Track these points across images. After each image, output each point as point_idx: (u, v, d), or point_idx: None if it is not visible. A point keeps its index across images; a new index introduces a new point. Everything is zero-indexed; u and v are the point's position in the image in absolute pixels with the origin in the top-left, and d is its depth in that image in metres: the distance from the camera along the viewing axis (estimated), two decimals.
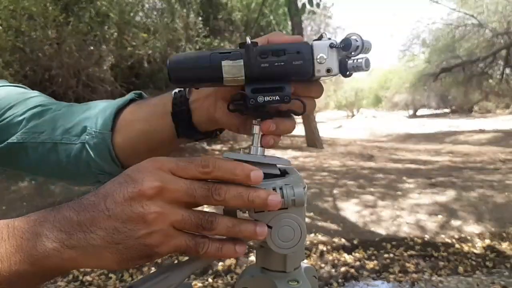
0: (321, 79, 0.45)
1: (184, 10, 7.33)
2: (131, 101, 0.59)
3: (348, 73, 0.42)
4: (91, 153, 0.56)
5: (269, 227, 0.41)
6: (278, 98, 0.41)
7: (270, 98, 0.41)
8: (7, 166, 0.63)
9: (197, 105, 0.51)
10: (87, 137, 0.56)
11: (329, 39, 0.41)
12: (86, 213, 0.35)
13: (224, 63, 0.41)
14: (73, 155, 0.57)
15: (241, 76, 0.41)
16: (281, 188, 0.40)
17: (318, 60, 0.41)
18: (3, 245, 0.35)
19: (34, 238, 0.35)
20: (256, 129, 0.44)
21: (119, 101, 0.58)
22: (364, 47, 0.41)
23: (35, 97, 0.63)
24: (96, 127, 0.56)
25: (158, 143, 0.55)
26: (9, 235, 0.35)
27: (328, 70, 0.41)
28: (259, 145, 0.44)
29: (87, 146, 0.56)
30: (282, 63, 0.41)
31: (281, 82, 0.42)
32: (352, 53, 0.41)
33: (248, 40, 0.41)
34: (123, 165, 0.57)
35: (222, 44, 8.22)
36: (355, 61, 0.41)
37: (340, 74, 0.42)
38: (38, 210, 0.38)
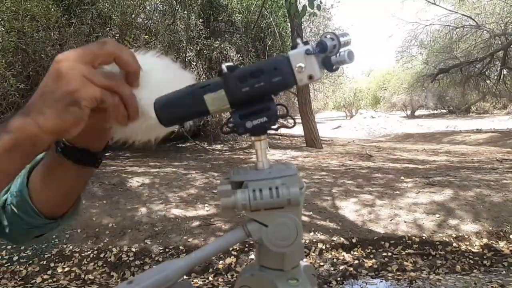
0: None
1: (185, 12, 7.36)
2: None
3: (334, 67, 0.42)
4: (15, 211, 0.61)
5: (265, 225, 0.42)
6: (266, 119, 0.41)
7: (258, 122, 0.41)
8: None
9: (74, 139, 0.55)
10: (10, 198, 0.62)
11: (306, 43, 0.40)
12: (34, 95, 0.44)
13: (206, 97, 0.41)
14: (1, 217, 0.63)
15: (225, 105, 0.42)
16: (277, 188, 0.41)
17: (297, 70, 0.40)
18: None
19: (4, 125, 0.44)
20: (257, 145, 0.44)
21: (34, 160, 0.62)
22: (342, 42, 0.41)
23: None
24: (16, 187, 0.62)
25: (69, 188, 0.61)
26: None
27: (310, 77, 0.40)
28: (263, 159, 0.44)
29: (11, 206, 0.62)
30: (262, 83, 0.41)
31: (266, 102, 0.42)
32: (331, 53, 0.41)
33: (224, 67, 0.41)
34: (46, 216, 0.63)
35: (222, 46, 8.25)
36: (337, 55, 0.41)
37: (328, 71, 0.43)
38: None
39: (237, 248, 3.55)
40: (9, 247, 3.76)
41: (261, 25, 9.62)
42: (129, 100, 0.46)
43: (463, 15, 14.31)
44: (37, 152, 0.45)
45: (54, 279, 3.39)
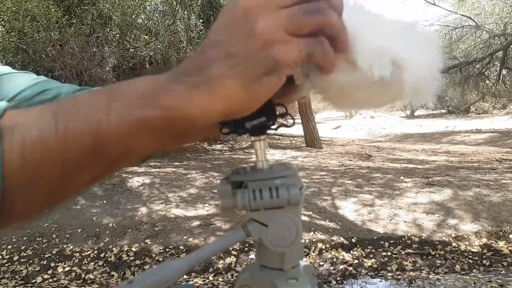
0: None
1: (185, 12, 7.39)
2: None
3: None
4: None
5: (265, 225, 0.42)
6: (265, 119, 0.41)
7: (258, 122, 0.41)
8: None
9: None
10: None
11: None
12: (198, 56, 0.32)
13: None
14: None
15: None
16: (277, 188, 0.41)
17: None
18: (118, 99, 0.31)
19: (156, 86, 0.31)
20: (256, 145, 0.44)
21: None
22: None
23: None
24: None
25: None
26: (121, 92, 0.31)
27: (307, 75, 0.39)
28: (263, 159, 0.44)
29: None
30: None
31: (265, 101, 0.41)
32: None
33: None
34: None
35: None
36: None
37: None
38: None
39: (237, 248, 3.57)
40: (9, 246, 3.77)
41: None
42: (339, 32, 0.32)
43: (462, 15, 14.34)
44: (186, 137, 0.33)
45: (55, 279, 3.40)
